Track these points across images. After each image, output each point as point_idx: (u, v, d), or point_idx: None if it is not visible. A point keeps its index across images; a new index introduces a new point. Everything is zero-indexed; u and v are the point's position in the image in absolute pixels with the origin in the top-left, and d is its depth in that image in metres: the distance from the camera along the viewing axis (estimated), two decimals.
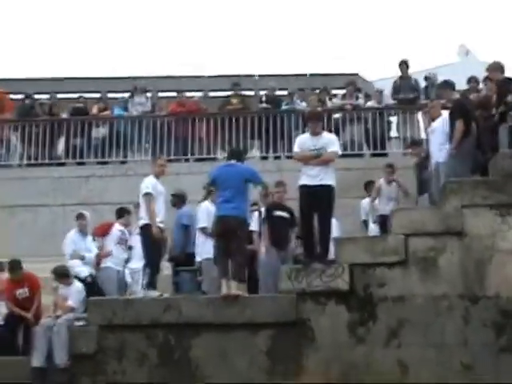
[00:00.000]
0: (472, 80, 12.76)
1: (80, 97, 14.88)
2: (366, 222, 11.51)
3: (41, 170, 13.49)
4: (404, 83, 13.95)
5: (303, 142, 8.76)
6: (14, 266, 9.35)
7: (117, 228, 10.16)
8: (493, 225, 8.02)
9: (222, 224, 8.47)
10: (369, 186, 11.49)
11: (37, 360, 8.10)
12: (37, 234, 12.54)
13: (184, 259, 9.76)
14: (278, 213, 9.78)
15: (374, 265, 8.06)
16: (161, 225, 9.03)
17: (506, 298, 7.83)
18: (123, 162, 13.88)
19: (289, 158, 13.39)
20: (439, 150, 9.40)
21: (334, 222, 9.64)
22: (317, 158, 8.47)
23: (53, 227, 12.37)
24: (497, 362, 7.67)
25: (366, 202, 11.54)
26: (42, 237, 12.33)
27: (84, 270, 9.63)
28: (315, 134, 8.71)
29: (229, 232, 8.39)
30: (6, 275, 9.73)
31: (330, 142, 8.70)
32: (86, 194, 12.94)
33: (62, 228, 11.24)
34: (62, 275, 8.95)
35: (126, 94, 14.63)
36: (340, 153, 8.91)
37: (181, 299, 8.40)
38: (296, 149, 8.81)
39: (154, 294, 8.80)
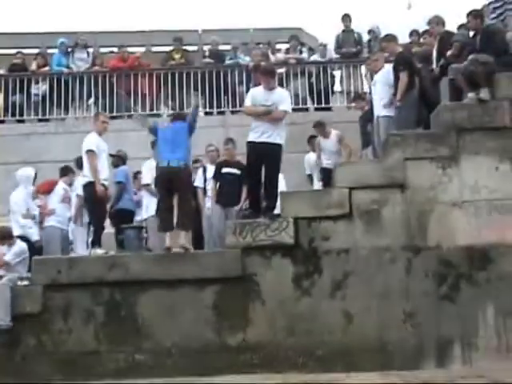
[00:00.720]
0: (414, 33, 12.86)
1: (18, 52, 14.48)
2: (310, 176, 11.59)
3: None
4: (347, 37, 13.97)
5: (255, 95, 8.68)
6: None
7: (61, 186, 10.02)
8: (434, 177, 8.16)
9: (167, 174, 8.34)
10: (311, 140, 11.54)
11: None
12: None
13: (116, 215, 9.71)
14: (227, 170, 9.78)
15: (319, 218, 8.13)
16: (105, 182, 8.94)
17: (446, 248, 8.01)
18: (65, 119, 13.63)
19: (233, 113, 13.38)
20: (381, 103, 9.47)
21: (280, 177, 9.70)
22: (266, 114, 8.41)
23: None
24: (438, 310, 7.87)
25: (309, 156, 11.60)
26: None
27: (35, 233, 9.51)
28: (269, 88, 8.64)
29: (174, 182, 8.29)
30: None
31: (282, 98, 8.64)
32: (27, 152, 12.68)
33: (4, 187, 11.05)
34: (4, 237, 8.81)
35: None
36: (290, 111, 8.86)
37: (126, 256, 8.36)
38: (248, 102, 8.74)
39: (100, 251, 8.76)
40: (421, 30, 11.89)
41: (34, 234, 9.51)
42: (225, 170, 9.83)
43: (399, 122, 9.07)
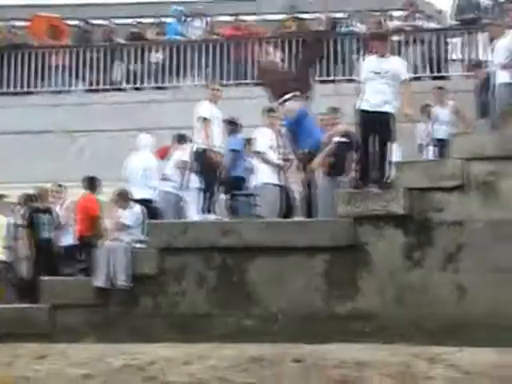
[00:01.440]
0: None
1: (136, 22, 14.85)
2: (421, 146, 11.35)
3: (99, 96, 13.63)
4: (466, 2, 13.48)
5: (368, 64, 8.56)
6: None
7: (177, 153, 10.24)
8: None
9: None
10: (425, 109, 11.28)
11: (99, 280, 8.35)
12: (97, 160, 12.75)
13: (228, 183, 9.83)
14: (336, 138, 9.68)
15: (432, 189, 7.98)
16: (219, 150, 9.07)
17: None
18: (181, 87, 13.88)
19: (348, 81, 13.22)
20: (500, 71, 9.12)
21: (395, 146, 9.57)
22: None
23: (112, 153, 12.56)
24: None
25: (421, 125, 11.36)
26: (101, 162, 12.54)
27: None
28: (381, 55, 8.50)
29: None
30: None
31: (398, 67, 8.48)
32: (145, 119, 13.02)
33: (122, 153, 11.42)
34: (126, 198, 9.10)
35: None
36: (408, 78, 8.69)
37: (239, 223, 8.50)
38: (361, 71, 8.63)
39: (212, 217, 8.93)
40: None
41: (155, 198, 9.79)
42: (335, 139, 9.72)
43: None
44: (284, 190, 9.97)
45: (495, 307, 7.65)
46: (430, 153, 10.78)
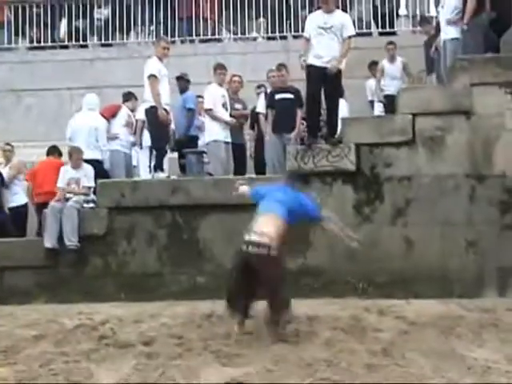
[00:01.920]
0: None
1: None
2: (372, 103, 11.42)
3: (45, 54, 13.32)
4: None
5: (313, 19, 8.50)
6: None
7: (124, 111, 10.11)
8: (502, 103, 7.92)
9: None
10: (372, 66, 11.33)
11: (48, 241, 8.26)
12: (44, 119, 12.54)
13: (187, 142, 9.75)
14: (281, 95, 9.67)
15: (381, 145, 8.04)
16: (166, 107, 8.98)
17: (511, 176, 7.84)
18: (127, 44, 13.65)
19: (295, 37, 13.16)
20: (447, 27, 9.17)
21: (342, 102, 9.58)
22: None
23: (59, 111, 12.35)
24: (500, 239, 7.77)
25: (370, 82, 11.42)
26: (48, 121, 12.33)
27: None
28: (328, 11, 8.45)
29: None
30: None
31: (344, 22, 8.45)
32: (91, 78, 12.79)
33: (69, 112, 11.22)
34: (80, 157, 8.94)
35: None
36: (354, 33, 8.68)
37: (188, 181, 8.47)
38: (306, 26, 8.58)
39: (162, 175, 8.88)
40: None
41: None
42: (278, 96, 9.72)
43: (466, 47, 8.78)
44: (239, 147, 9.96)
45: (442, 260, 7.82)
46: (381, 109, 10.85)
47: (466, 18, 8.83)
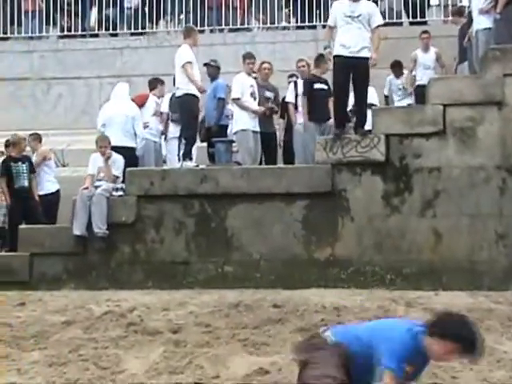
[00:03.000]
0: None
1: None
2: (387, 98, 11.37)
3: (75, 42, 13.40)
4: None
5: (339, 8, 8.44)
6: None
7: (152, 99, 10.12)
8: None
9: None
10: (396, 67, 11.25)
11: (77, 229, 8.32)
12: (74, 107, 12.63)
13: (217, 131, 9.75)
14: (318, 85, 9.62)
15: (411, 135, 7.99)
16: (198, 94, 9.00)
17: None
18: (156, 33, 13.69)
19: (324, 27, 13.07)
20: (479, 16, 9.06)
21: (372, 90, 9.53)
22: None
23: (89, 100, 12.43)
24: None
25: (390, 78, 11.32)
26: (79, 109, 12.43)
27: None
28: None
29: None
30: None
31: (372, 11, 8.38)
32: (121, 66, 12.86)
33: (99, 101, 11.29)
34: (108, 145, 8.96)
35: None
36: (382, 22, 8.62)
37: (217, 170, 8.48)
38: (331, 15, 8.54)
39: (191, 164, 8.90)
40: None
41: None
42: (316, 85, 9.67)
43: (498, 37, 8.65)
44: (270, 136, 9.95)
45: (470, 252, 7.76)
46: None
47: (499, 7, 8.71)
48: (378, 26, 8.41)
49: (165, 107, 10.13)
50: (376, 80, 10.69)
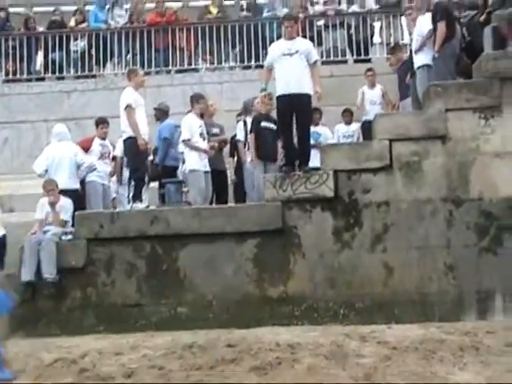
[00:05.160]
0: None
1: (56, 9, 14.50)
2: None
3: (21, 86, 13.31)
4: None
5: (277, 47, 8.58)
6: None
7: (97, 143, 10.07)
8: (476, 128, 8.03)
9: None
10: (345, 113, 11.45)
11: (26, 275, 8.17)
12: (21, 151, 12.50)
13: (165, 172, 9.76)
14: (266, 124, 9.73)
15: (359, 171, 8.10)
16: (145, 137, 9.00)
17: (488, 200, 7.92)
18: (104, 76, 13.69)
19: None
20: (419, 54, 9.31)
21: (325, 129, 9.69)
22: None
23: (36, 143, 12.31)
24: (479, 262, 7.83)
25: (338, 126, 11.49)
26: (26, 153, 12.29)
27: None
28: (290, 38, 8.54)
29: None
30: None
31: (308, 48, 8.56)
32: (68, 109, 12.81)
33: (45, 144, 11.17)
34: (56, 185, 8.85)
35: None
36: (319, 58, 8.81)
37: (167, 211, 8.45)
38: (269, 56, 8.67)
39: (141, 206, 8.86)
40: None
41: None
42: (264, 124, 9.77)
43: (438, 73, 8.89)
44: (220, 174, 9.97)
45: (421, 284, 7.86)
46: None
47: (436, 46, 8.97)
48: (316, 62, 8.56)
49: (118, 151, 10.11)
50: (324, 116, 10.91)
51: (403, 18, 13.12)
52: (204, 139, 9.79)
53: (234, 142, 10.44)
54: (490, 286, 7.78)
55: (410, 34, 10.70)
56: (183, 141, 9.75)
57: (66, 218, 8.72)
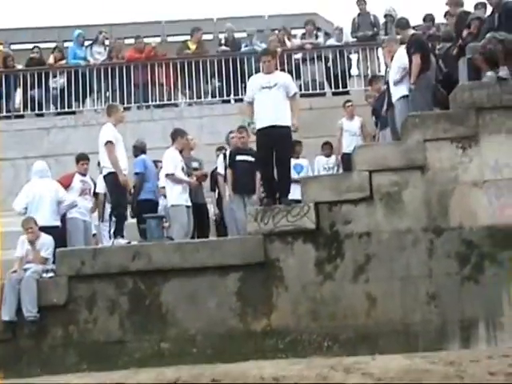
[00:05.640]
0: (427, 18, 12.72)
1: (35, 47, 14.56)
2: None
3: (0, 123, 13.29)
4: (363, 20, 13.90)
5: (254, 82, 8.63)
6: None
7: (77, 179, 10.04)
8: (454, 157, 8.12)
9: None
10: (325, 146, 11.56)
11: (6, 314, 8.08)
12: (1, 188, 12.42)
13: (138, 206, 9.76)
14: (242, 157, 9.78)
15: (340, 202, 8.13)
16: (125, 172, 9.00)
17: (468, 228, 7.97)
18: (83, 112, 13.72)
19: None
20: (395, 87, 9.44)
21: (306, 162, 9.73)
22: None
23: (16, 181, 12.25)
24: (461, 291, 7.85)
25: (320, 158, 11.58)
26: (6, 190, 12.21)
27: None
28: (269, 72, 8.61)
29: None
30: None
31: (287, 80, 8.63)
32: (47, 146, 12.80)
33: (25, 181, 11.12)
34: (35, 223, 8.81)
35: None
36: (297, 92, 8.89)
37: (149, 246, 8.41)
38: (248, 90, 8.73)
39: (123, 241, 8.82)
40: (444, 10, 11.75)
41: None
42: (239, 157, 9.84)
43: (415, 104, 9.02)
44: (201, 208, 9.98)
45: (404, 315, 7.86)
46: None
47: (412, 78, 9.10)
48: (295, 94, 8.64)
49: (101, 188, 10.08)
50: (304, 149, 10.98)
51: (380, 50, 13.37)
52: (185, 174, 9.81)
53: (214, 175, 10.47)
54: (472, 314, 7.80)
55: (387, 66, 10.85)
56: (166, 175, 9.76)
57: (47, 255, 8.67)
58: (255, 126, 8.47)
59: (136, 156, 10.36)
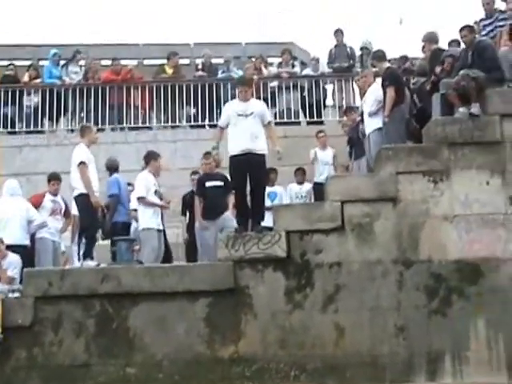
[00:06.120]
0: (403, 58, 12.88)
1: (10, 64, 14.49)
2: None
3: None
4: (339, 51, 14.07)
5: (232, 107, 8.67)
6: None
7: (47, 199, 9.96)
8: (426, 191, 8.19)
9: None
10: (298, 172, 11.64)
11: None
12: None
13: (111, 229, 9.70)
14: (210, 183, 9.82)
15: (311, 231, 8.14)
16: (97, 194, 8.95)
17: (437, 262, 8.03)
18: (56, 131, 13.64)
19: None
20: (370, 119, 9.55)
21: (281, 189, 9.74)
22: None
23: None
24: (429, 324, 7.88)
25: (292, 186, 11.64)
26: None
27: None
28: (244, 99, 8.66)
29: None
30: None
31: (263, 109, 8.70)
32: (20, 164, 12.69)
33: None
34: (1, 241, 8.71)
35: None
36: (271, 120, 8.97)
37: (118, 269, 8.33)
38: (223, 115, 8.76)
39: (92, 263, 8.75)
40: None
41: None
42: (208, 183, 9.87)
43: (389, 137, 9.13)
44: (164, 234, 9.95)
45: (372, 346, 7.86)
46: None
47: (386, 111, 9.22)
48: (270, 122, 8.73)
49: (75, 210, 10.00)
50: (279, 177, 11.02)
51: (355, 81, 13.51)
52: (158, 197, 9.79)
53: (186, 199, 10.46)
54: (439, 347, 7.83)
55: (361, 97, 10.97)
56: (138, 198, 9.72)
57: (14, 274, 8.57)
58: (218, 151, 8.49)
59: (110, 175, 10.25)
